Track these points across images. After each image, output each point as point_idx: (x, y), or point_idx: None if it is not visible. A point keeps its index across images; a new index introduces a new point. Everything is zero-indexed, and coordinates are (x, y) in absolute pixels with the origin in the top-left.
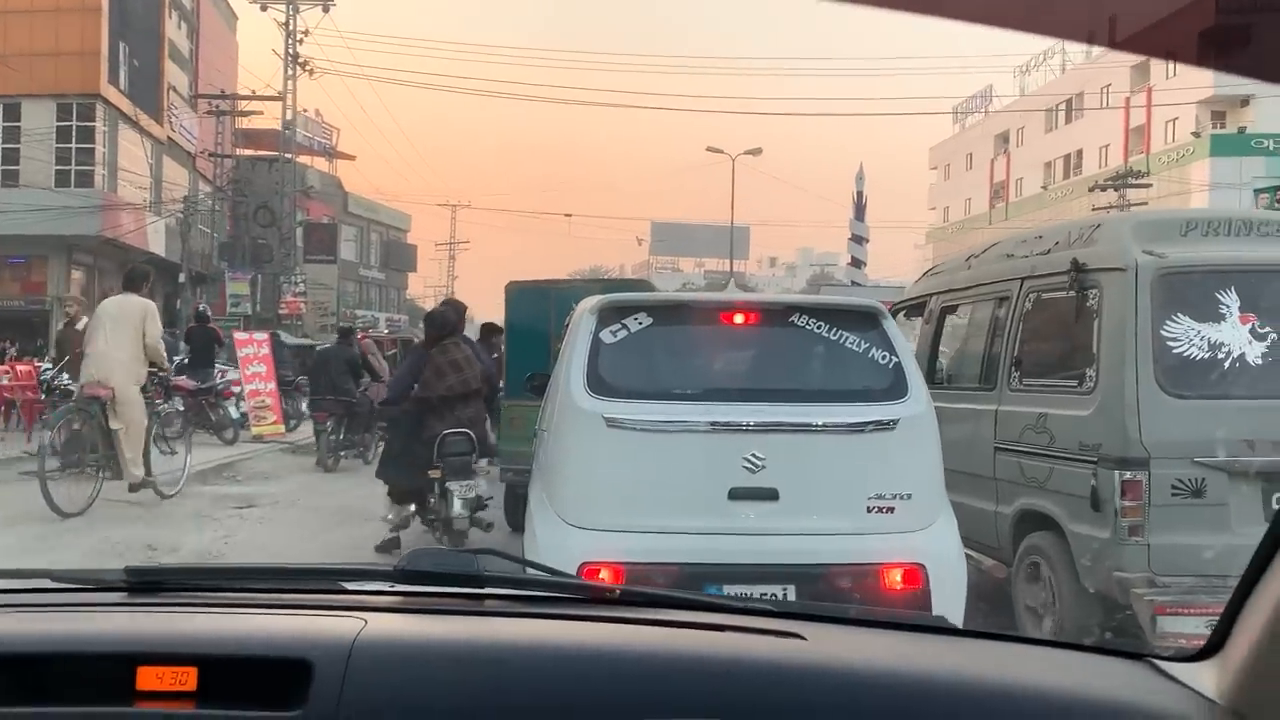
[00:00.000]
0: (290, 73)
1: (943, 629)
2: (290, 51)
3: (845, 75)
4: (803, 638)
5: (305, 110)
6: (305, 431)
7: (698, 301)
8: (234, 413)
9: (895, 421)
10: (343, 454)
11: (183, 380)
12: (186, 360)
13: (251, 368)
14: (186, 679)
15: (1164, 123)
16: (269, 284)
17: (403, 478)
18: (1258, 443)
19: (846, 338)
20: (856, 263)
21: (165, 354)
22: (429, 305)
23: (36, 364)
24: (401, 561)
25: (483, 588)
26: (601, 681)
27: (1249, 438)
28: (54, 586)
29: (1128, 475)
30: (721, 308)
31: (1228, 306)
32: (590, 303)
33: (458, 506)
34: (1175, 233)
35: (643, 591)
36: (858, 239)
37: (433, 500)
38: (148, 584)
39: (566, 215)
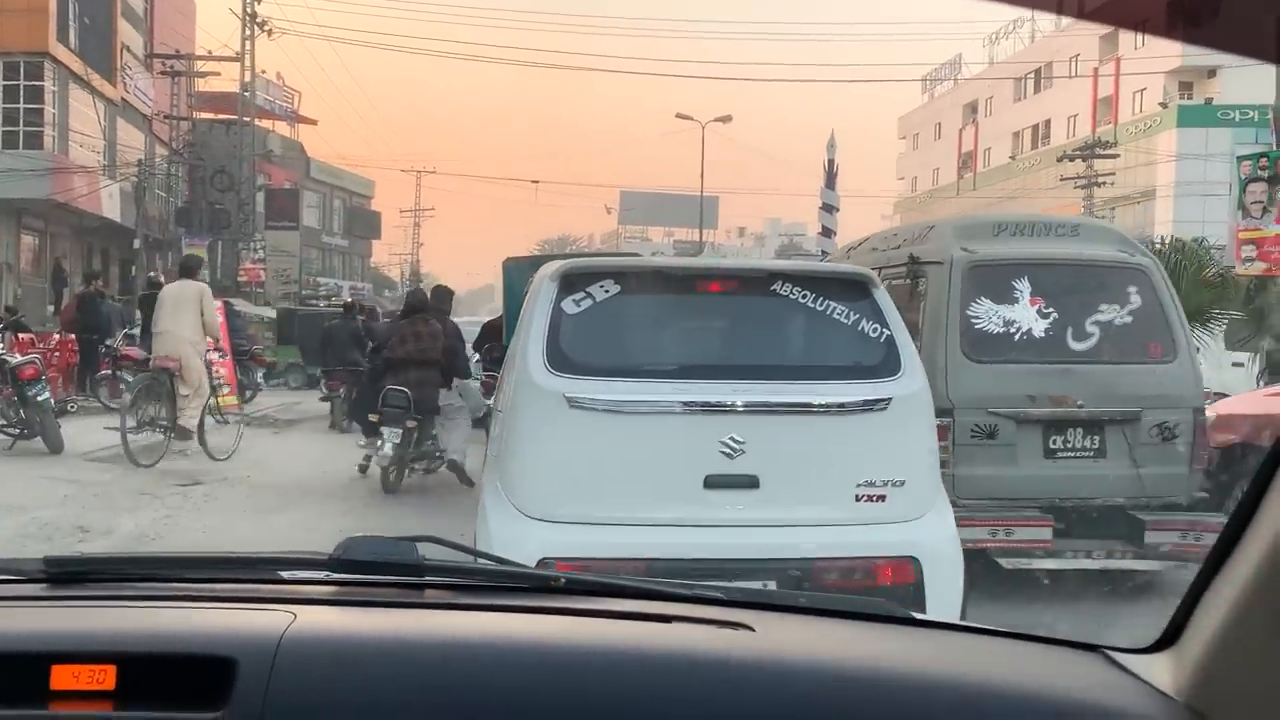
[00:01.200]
0: (248, 33)
1: (895, 618)
2: (248, 10)
3: (814, 40)
4: (751, 629)
5: (264, 72)
6: (261, 403)
7: (671, 267)
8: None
9: (887, 401)
10: (348, 419)
11: (132, 350)
12: (139, 329)
13: None
14: (105, 678)
15: (1132, 93)
16: (228, 250)
17: (361, 419)
18: (1038, 397)
19: (834, 308)
20: (827, 232)
21: (218, 329)
22: (393, 273)
23: None
24: (337, 550)
25: (422, 577)
26: (543, 678)
27: (1032, 393)
28: None
29: (938, 422)
30: (697, 274)
31: (1020, 291)
32: (551, 268)
33: (387, 448)
34: (989, 233)
35: (590, 580)
36: (828, 208)
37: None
38: (68, 575)
39: (534, 182)
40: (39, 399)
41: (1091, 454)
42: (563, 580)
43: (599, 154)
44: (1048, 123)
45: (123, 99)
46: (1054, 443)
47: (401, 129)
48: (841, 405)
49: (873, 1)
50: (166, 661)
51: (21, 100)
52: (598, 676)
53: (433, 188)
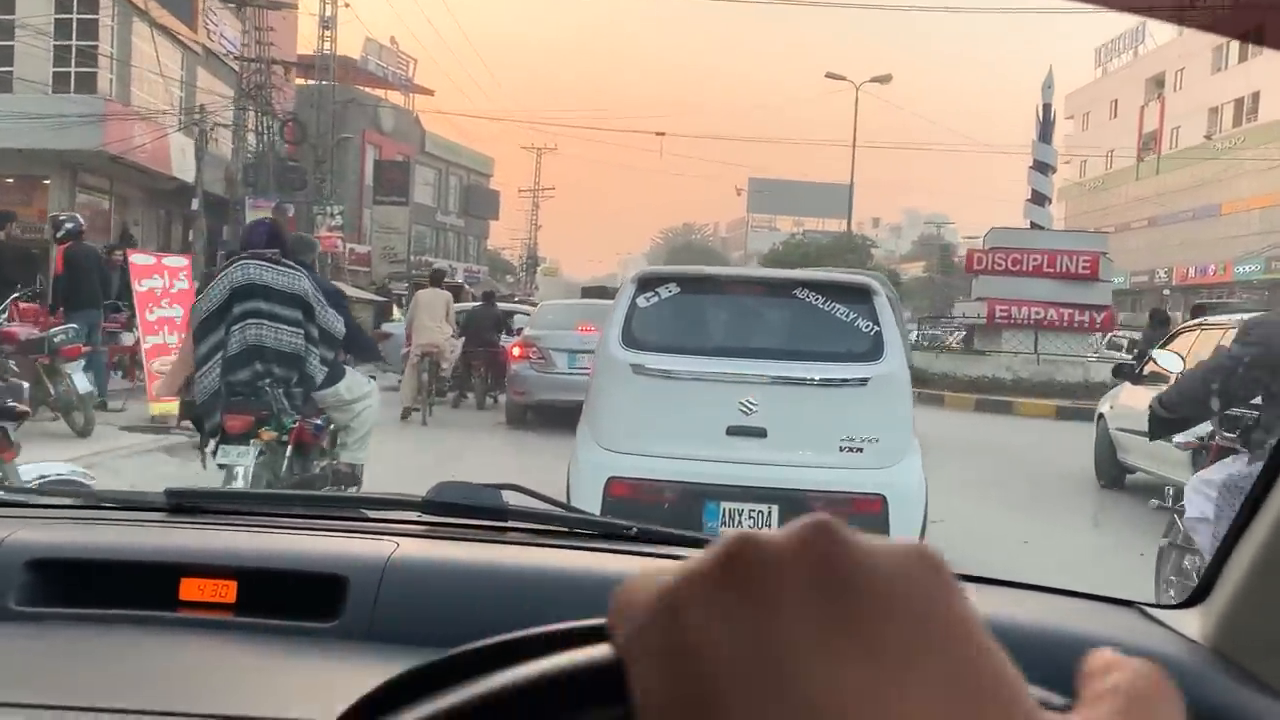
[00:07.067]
0: None
1: None
2: None
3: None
4: None
5: (369, 35)
6: None
7: (719, 274)
8: (83, 383)
9: (867, 379)
10: (490, 395)
11: (13, 327)
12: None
13: (156, 311)
14: (226, 591)
15: None
16: (301, 215)
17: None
18: None
19: (837, 309)
20: (1038, 198)
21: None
22: (512, 256)
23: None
24: (430, 492)
25: (505, 521)
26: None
27: None
28: (100, 505)
29: None
30: (738, 280)
31: None
32: (631, 273)
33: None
34: None
35: (657, 530)
36: (1041, 166)
37: None
38: (188, 505)
39: (659, 134)
40: None
41: None
42: (634, 530)
43: (732, 122)
44: (1255, 95)
45: (205, 47)
46: None
47: (519, 89)
48: (828, 380)
49: None
50: (283, 578)
51: (74, 36)
52: None
53: (553, 164)
